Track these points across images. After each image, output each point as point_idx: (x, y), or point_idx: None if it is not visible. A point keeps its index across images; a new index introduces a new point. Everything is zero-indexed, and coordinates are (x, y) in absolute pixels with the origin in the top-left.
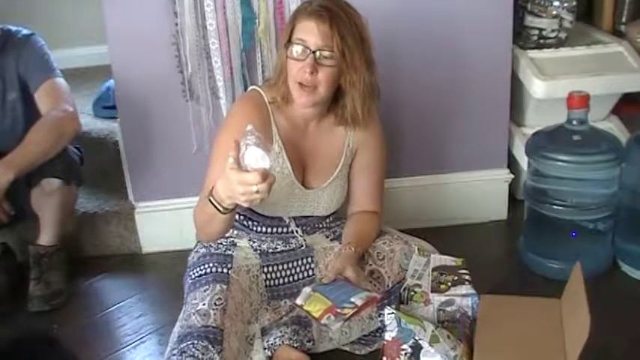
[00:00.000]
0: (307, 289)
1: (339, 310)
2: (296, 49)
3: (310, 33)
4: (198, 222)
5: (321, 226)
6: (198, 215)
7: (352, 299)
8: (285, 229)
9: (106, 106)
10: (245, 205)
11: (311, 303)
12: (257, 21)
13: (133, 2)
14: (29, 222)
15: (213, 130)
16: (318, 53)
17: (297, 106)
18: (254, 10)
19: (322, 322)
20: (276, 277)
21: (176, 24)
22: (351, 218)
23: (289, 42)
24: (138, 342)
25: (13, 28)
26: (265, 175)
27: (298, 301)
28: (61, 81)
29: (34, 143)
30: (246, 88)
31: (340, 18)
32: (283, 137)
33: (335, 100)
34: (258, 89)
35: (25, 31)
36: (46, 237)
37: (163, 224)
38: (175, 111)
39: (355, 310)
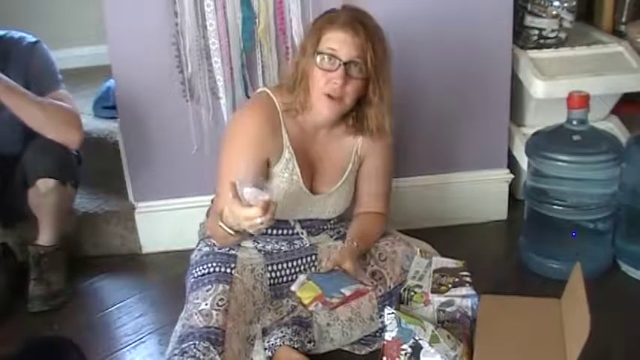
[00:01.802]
0: (302, 277)
1: (327, 299)
2: (327, 60)
3: (343, 44)
4: (213, 235)
5: (325, 227)
6: (213, 229)
7: (342, 290)
8: (290, 231)
9: (106, 106)
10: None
11: (303, 290)
12: (257, 21)
13: (133, 2)
14: (29, 222)
15: (213, 130)
16: (349, 65)
17: (316, 115)
18: (254, 10)
19: (310, 308)
20: (281, 275)
21: (176, 24)
22: (357, 218)
23: (318, 52)
24: (138, 342)
25: (17, 35)
26: (267, 207)
27: (293, 287)
28: (66, 93)
29: (40, 105)
30: (246, 89)
31: (372, 31)
32: (294, 143)
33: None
34: (269, 92)
35: (29, 39)
36: (45, 237)
37: (163, 224)
38: (175, 111)
39: (342, 300)
